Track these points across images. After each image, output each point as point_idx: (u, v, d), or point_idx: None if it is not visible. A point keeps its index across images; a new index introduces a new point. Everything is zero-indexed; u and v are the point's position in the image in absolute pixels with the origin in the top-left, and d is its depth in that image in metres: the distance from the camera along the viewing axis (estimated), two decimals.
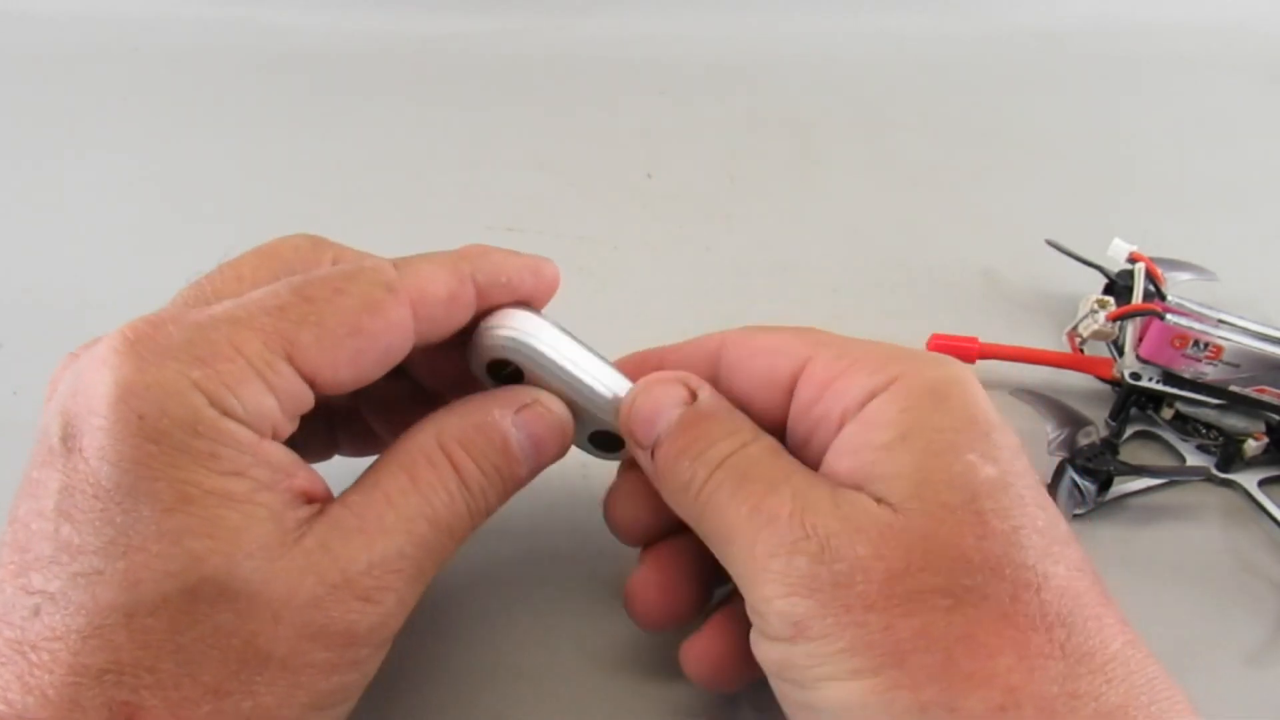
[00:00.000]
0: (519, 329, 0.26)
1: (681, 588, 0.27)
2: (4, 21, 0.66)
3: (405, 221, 0.49)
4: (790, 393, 0.25)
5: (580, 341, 0.27)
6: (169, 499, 0.20)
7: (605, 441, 0.28)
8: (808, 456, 0.25)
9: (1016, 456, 0.22)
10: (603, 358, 0.27)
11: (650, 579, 0.27)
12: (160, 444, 0.20)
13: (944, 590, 0.20)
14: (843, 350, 0.25)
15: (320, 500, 0.23)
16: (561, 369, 0.26)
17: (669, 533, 0.27)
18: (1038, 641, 0.20)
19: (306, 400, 0.23)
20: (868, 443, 0.23)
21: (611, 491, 0.28)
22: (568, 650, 0.30)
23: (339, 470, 0.25)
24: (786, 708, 0.23)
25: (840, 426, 0.24)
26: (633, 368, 0.27)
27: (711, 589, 0.27)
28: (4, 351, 0.41)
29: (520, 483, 0.26)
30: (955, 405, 0.23)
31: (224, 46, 0.65)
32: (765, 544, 0.22)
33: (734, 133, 0.58)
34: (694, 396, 0.25)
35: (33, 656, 0.19)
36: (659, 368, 0.27)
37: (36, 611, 0.19)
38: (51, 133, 0.56)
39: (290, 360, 0.22)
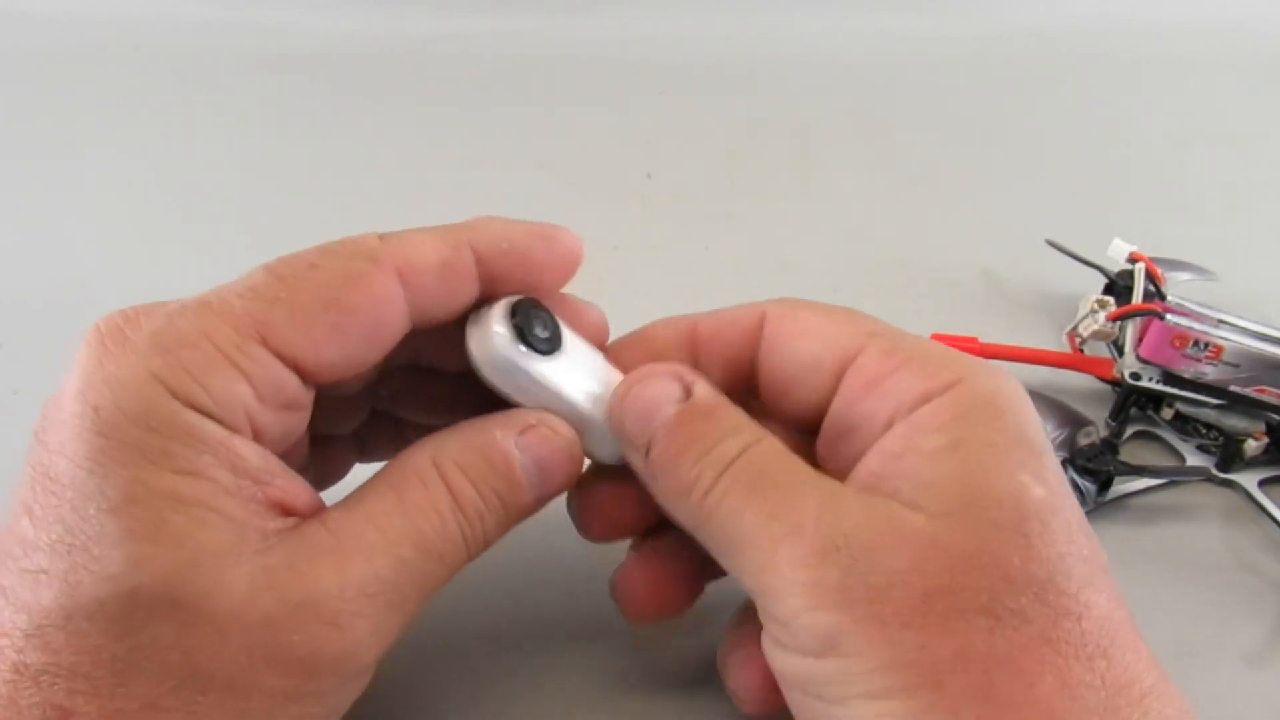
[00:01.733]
0: (480, 346, 0.23)
1: (672, 582, 0.26)
2: (4, 21, 0.66)
3: (405, 221, 0.48)
4: (835, 382, 0.24)
5: (569, 352, 0.24)
6: (114, 498, 0.18)
7: None
8: (842, 451, 0.23)
9: (1063, 481, 0.22)
10: (598, 366, 0.25)
11: (637, 574, 0.26)
12: (110, 438, 0.19)
13: (985, 610, 0.19)
14: (895, 345, 0.23)
15: (300, 514, 0.21)
16: (532, 396, 0.24)
17: (650, 528, 0.26)
18: (1079, 670, 0.19)
19: (289, 386, 0.21)
20: (915, 447, 0.21)
21: (581, 497, 0.26)
22: (568, 650, 0.30)
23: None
24: None
25: (888, 427, 0.22)
26: (663, 333, 0.26)
27: (703, 582, 0.26)
28: (4, 351, 0.41)
29: (525, 511, 0.24)
30: (1010, 421, 0.22)
31: (225, 46, 0.65)
32: (790, 553, 0.20)
33: (734, 133, 0.58)
34: (689, 392, 0.23)
35: None
36: (691, 335, 0.26)
37: (0, 614, 0.18)
38: (52, 133, 0.56)
39: (264, 343, 0.20)
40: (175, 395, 0.19)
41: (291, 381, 0.21)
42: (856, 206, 0.52)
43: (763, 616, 0.22)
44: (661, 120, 0.59)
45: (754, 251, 0.47)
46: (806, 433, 0.25)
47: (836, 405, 0.24)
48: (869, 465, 0.22)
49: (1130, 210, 0.52)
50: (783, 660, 0.21)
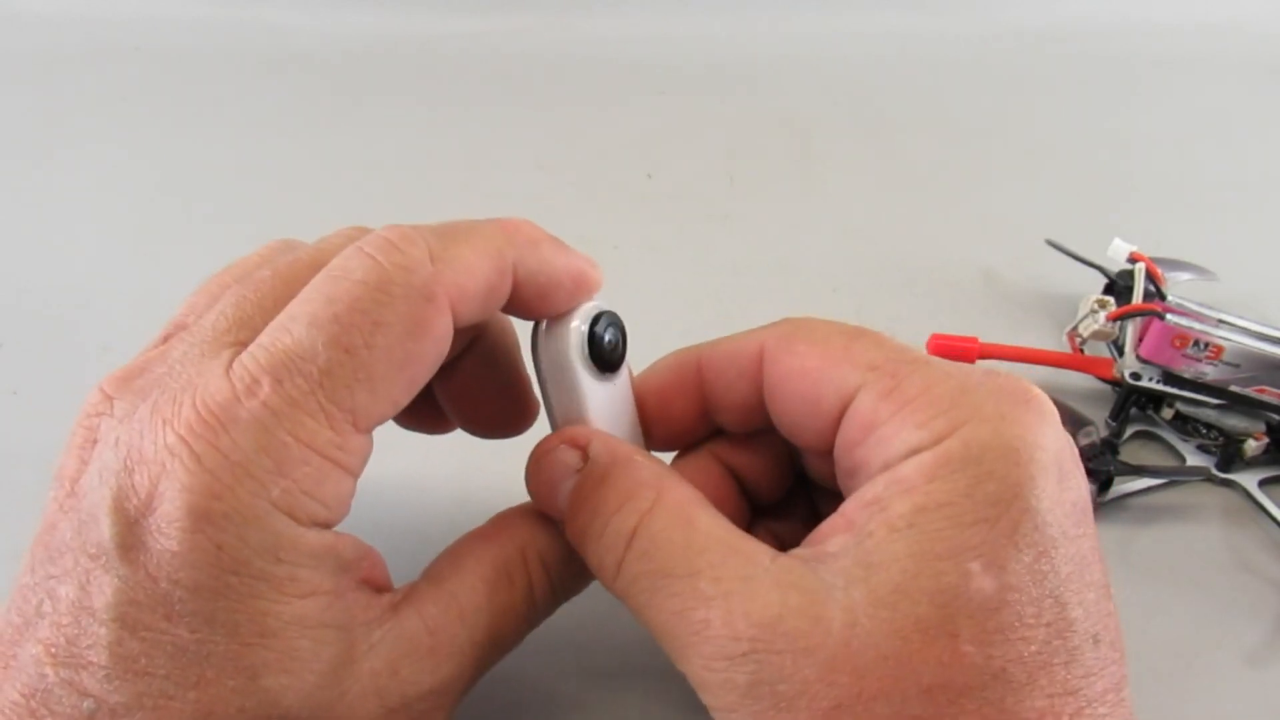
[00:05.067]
0: (553, 348, 0.24)
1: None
2: (4, 21, 0.66)
3: (406, 221, 0.49)
4: (836, 424, 0.22)
5: (622, 374, 0.25)
6: (248, 633, 0.19)
7: None
8: (850, 486, 0.22)
9: (1044, 555, 0.19)
10: (630, 394, 0.25)
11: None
12: (241, 575, 0.19)
13: None
14: (896, 382, 0.21)
15: (383, 585, 0.22)
16: (578, 409, 0.24)
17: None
18: None
19: (370, 451, 0.21)
20: (882, 505, 0.20)
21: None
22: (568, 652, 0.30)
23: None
24: None
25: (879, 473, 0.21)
26: (669, 367, 0.26)
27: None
28: (4, 351, 0.41)
29: (576, 595, 0.25)
30: (992, 486, 0.19)
31: (225, 47, 0.65)
32: (699, 653, 0.20)
33: (734, 133, 0.58)
34: (585, 455, 0.23)
35: None
36: (696, 368, 0.25)
37: (91, 716, 0.18)
38: (52, 133, 0.56)
39: (354, 426, 0.20)
40: (298, 520, 0.20)
41: (370, 445, 0.21)
42: (856, 206, 0.52)
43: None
44: (661, 120, 0.59)
45: (754, 251, 0.47)
46: (830, 456, 0.24)
47: (839, 448, 0.23)
48: (845, 510, 0.21)
49: (1130, 210, 0.52)
50: None
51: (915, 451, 0.20)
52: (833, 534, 0.21)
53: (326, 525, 0.20)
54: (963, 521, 0.19)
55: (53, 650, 0.19)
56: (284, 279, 0.22)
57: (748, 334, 0.25)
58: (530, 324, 0.25)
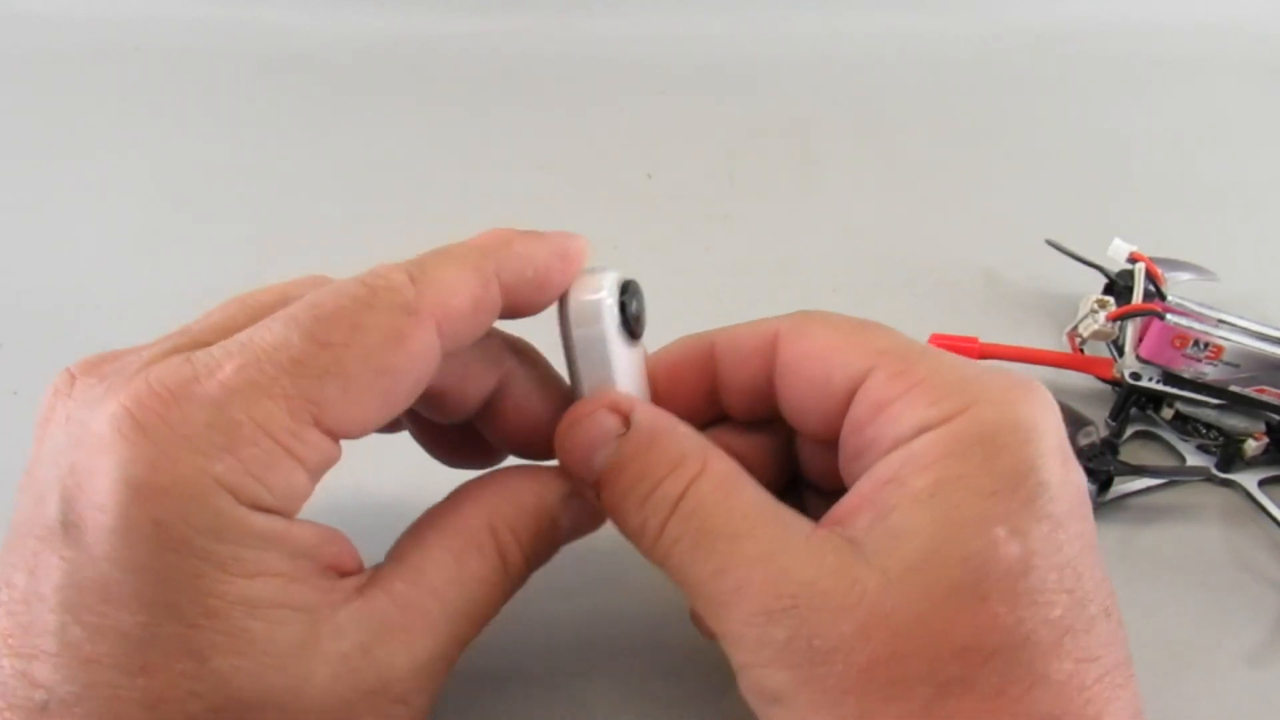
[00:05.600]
0: (582, 313, 0.24)
1: None
2: (4, 21, 0.66)
3: (405, 221, 0.49)
4: (846, 405, 0.23)
5: (641, 343, 0.25)
6: (192, 614, 0.18)
7: None
8: (855, 472, 0.23)
9: (1059, 527, 0.20)
10: (643, 365, 0.25)
11: None
12: (181, 553, 0.18)
13: (927, 679, 0.19)
14: (906, 365, 0.22)
15: (352, 570, 0.21)
16: (602, 374, 0.24)
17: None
18: None
19: (334, 457, 0.21)
20: (900, 482, 0.21)
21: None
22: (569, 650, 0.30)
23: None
24: None
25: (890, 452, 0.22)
26: (682, 348, 0.26)
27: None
28: (4, 351, 0.41)
29: (547, 561, 0.25)
30: (1007, 460, 0.20)
31: (225, 47, 0.65)
32: (738, 610, 0.20)
33: (734, 133, 0.58)
34: (627, 421, 0.23)
35: None
36: (708, 353, 0.26)
37: (44, 709, 0.18)
38: (52, 133, 0.56)
39: (317, 424, 0.20)
40: (241, 500, 0.19)
41: (336, 451, 0.21)
42: (856, 206, 0.52)
43: (726, 653, 0.22)
44: (661, 120, 0.59)
45: (754, 251, 0.47)
46: (831, 445, 0.25)
47: (847, 428, 0.23)
48: (861, 490, 0.22)
49: (1130, 210, 0.52)
50: (743, 693, 0.22)
51: (927, 428, 0.21)
52: (853, 512, 0.21)
53: (273, 513, 0.19)
54: (982, 492, 0.20)
55: (10, 640, 0.18)
56: (281, 296, 0.22)
57: (763, 320, 0.25)
58: None
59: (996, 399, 0.21)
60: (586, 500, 0.24)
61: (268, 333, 0.20)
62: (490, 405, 0.26)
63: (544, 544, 0.24)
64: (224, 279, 0.45)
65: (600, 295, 0.24)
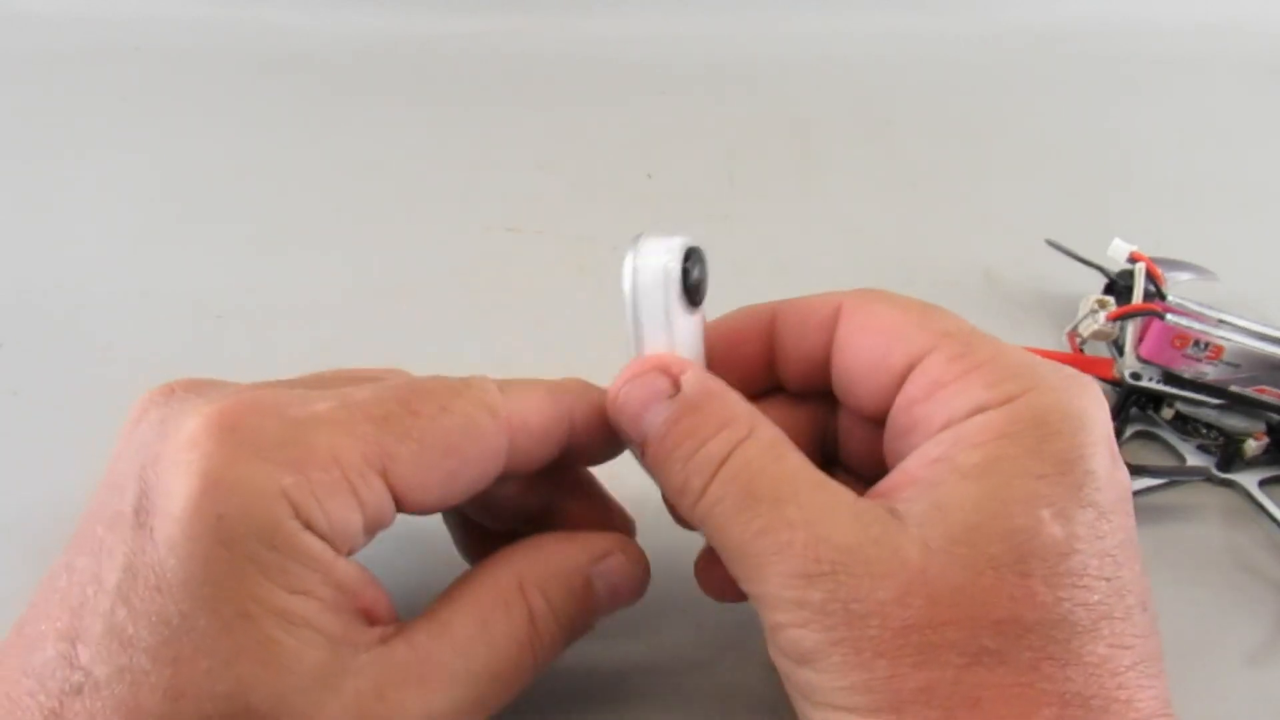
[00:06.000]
0: (648, 277, 0.24)
1: None
2: (4, 21, 0.66)
3: (405, 221, 0.49)
4: (900, 381, 0.23)
5: (701, 311, 0.25)
6: (228, 614, 0.19)
7: None
8: (900, 450, 0.23)
9: (1103, 517, 0.20)
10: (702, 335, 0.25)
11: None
12: (232, 550, 0.19)
13: (960, 648, 0.19)
14: (966, 349, 0.23)
15: (382, 621, 0.21)
16: (660, 339, 0.24)
17: None
18: (1048, 716, 0.19)
19: (389, 517, 0.21)
20: (951, 459, 0.21)
21: (708, 566, 0.26)
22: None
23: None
24: (795, 707, 0.22)
25: (941, 432, 0.22)
26: (743, 315, 0.26)
27: None
28: (4, 351, 0.41)
29: (587, 630, 0.25)
30: (1058, 445, 0.21)
31: (225, 46, 0.65)
32: (777, 571, 0.20)
33: (734, 133, 0.58)
34: (678, 384, 0.23)
35: None
36: (770, 323, 0.26)
37: (78, 690, 0.18)
38: (52, 133, 0.56)
39: (384, 476, 0.21)
40: (298, 515, 0.20)
41: (392, 511, 0.21)
42: (856, 206, 0.52)
43: (762, 618, 0.22)
44: (661, 120, 0.59)
45: (754, 251, 0.47)
46: (876, 423, 0.25)
47: (899, 404, 0.23)
48: (907, 467, 0.22)
49: (1130, 210, 0.52)
50: (773, 653, 0.22)
51: (982, 409, 0.21)
52: (898, 487, 0.22)
53: (324, 540, 0.20)
54: (1031, 474, 0.20)
55: (57, 624, 0.19)
56: (376, 375, 0.24)
57: (827, 293, 0.26)
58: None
59: (1053, 386, 0.22)
60: (619, 559, 0.25)
61: (363, 391, 0.22)
62: (532, 521, 0.26)
63: (577, 606, 0.24)
64: (224, 279, 0.45)
65: (663, 259, 0.24)
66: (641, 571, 0.25)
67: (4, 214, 0.49)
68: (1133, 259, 0.39)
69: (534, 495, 0.26)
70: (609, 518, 0.27)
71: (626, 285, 0.24)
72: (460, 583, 0.23)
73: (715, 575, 0.25)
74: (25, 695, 0.18)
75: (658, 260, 0.24)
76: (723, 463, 0.22)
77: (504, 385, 0.23)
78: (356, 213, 0.50)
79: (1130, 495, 0.22)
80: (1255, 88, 0.65)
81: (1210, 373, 0.36)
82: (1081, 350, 0.40)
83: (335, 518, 0.20)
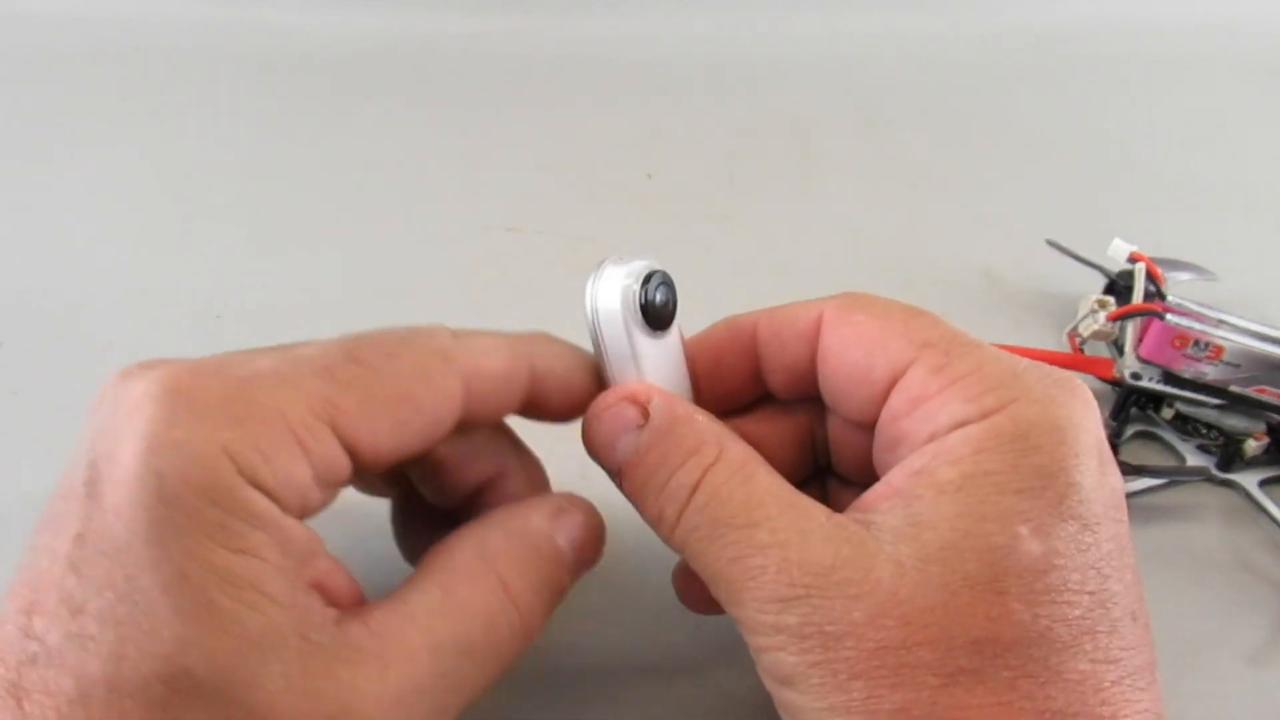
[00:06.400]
0: (606, 300, 0.24)
1: None
2: (4, 21, 0.66)
3: (405, 221, 0.49)
4: (885, 395, 0.23)
5: (671, 334, 0.25)
6: (169, 573, 0.18)
7: None
8: (889, 462, 0.23)
9: (1087, 529, 0.20)
10: (681, 358, 0.25)
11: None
12: (174, 509, 0.18)
13: (935, 668, 0.19)
14: (948, 359, 0.22)
15: (343, 605, 0.21)
16: (626, 366, 0.24)
17: None
18: None
19: (343, 470, 0.21)
20: (929, 474, 0.21)
21: (686, 577, 0.26)
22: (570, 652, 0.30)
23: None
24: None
25: (925, 444, 0.22)
26: (725, 328, 0.26)
27: None
28: (4, 351, 0.41)
29: (564, 594, 0.24)
30: (1039, 459, 0.20)
31: (225, 47, 0.65)
32: (753, 596, 0.20)
33: (734, 133, 0.58)
34: (646, 413, 0.23)
35: (26, 706, 0.18)
36: (752, 331, 0.26)
37: (34, 660, 0.18)
38: (52, 133, 0.56)
39: (333, 426, 0.20)
40: (241, 471, 0.19)
41: (346, 464, 0.21)
42: (856, 206, 0.52)
43: (741, 635, 0.22)
44: (661, 120, 0.59)
45: (754, 251, 0.47)
46: (866, 430, 0.25)
47: (884, 418, 0.23)
48: (891, 479, 0.22)
49: (1130, 210, 0.52)
50: (760, 673, 0.22)
51: (963, 424, 0.21)
52: (880, 500, 0.21)
53: (270, 497, 0.19)
54: (1009, 489, 0.20)
55: (19, 601, 0.19)
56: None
57: (807, 302, 0.25)
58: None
59: (1037, 397, 0.21)
60: (575, 515, 0.24)
61: (310, 347, 0.21)
62: (477, 498, 0.26)
63: (547, 568, 0.23)
64: (224, 279, 0.45)
65: (621, 284, 0.24)
66: (598, 524, 0.25)
67: (4, 214, 0.49)
68: (1133, 259, 0.39)
69: (485, 460, 0.26)
70: (548, 487, 0.27)
71: (588, 313, 0.24)
72: (420, 563, 0.22)
73: (693, 590, 0.25)
74: None
75: (616, 285, 0.24)
76: (694, 490, 0.22)
77: (459, 333, 0.23)
78: (356, 213, 0.50)
79: (1123, 502, 0.21)
80: (1255, 88, 0.65)
81: (1210, 373, 0.36)
82: (1081, 350, 0.40)
83: (281, 472, 0.19)
